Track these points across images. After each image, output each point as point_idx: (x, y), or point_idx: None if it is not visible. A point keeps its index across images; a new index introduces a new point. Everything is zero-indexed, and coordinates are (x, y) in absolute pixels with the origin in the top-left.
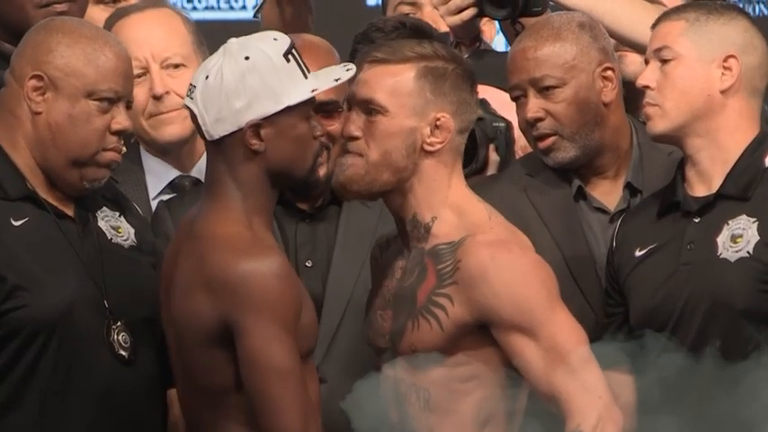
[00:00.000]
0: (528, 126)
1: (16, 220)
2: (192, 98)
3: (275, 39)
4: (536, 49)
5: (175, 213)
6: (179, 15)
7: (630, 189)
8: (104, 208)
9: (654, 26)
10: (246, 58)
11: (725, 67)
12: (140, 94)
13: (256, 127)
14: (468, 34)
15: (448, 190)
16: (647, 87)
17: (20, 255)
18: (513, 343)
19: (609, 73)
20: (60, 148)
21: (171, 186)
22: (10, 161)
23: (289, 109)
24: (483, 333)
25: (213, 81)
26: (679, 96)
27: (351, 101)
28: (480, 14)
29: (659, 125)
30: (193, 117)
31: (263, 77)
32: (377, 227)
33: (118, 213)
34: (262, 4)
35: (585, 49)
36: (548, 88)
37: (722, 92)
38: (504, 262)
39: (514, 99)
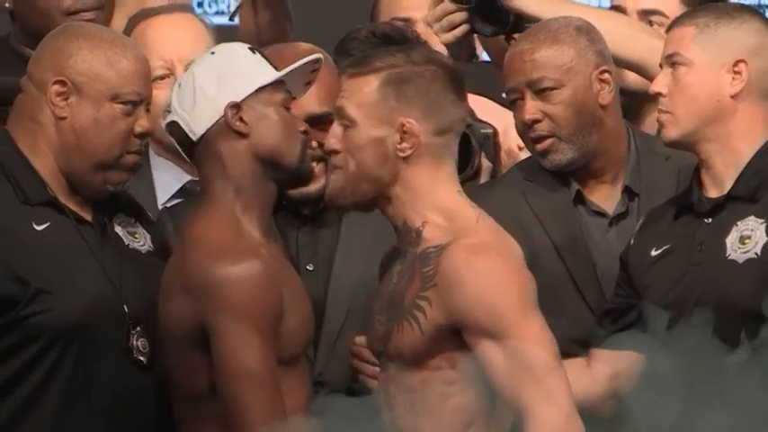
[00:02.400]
0: (525, 128)
1: (38, 224)
2: (169, 112)
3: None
4: (533, 52)
5: (177, 220)
6: (203, 21)
7: (629, 193)
8: (120, 213)
9: (667, 31)
10: (212, 53)
11: (735, 72)
12: (164, 95)
13: (236, 108)
14: (464, 51)
15: (435, 194)
16: (660, 94)
17: (42, 259)
18: (480, 347)
19: (606, 76)
20: (85, 152)
21: (182, 191)
22: (31, 167)
23: (264, 92)
24: (461, 337)
25: (185, 83)
26: (689, 103)
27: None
28: (473, 31)
29: (672, 132)
30: (176, 131)
31: (232, 64)
32: (378, 230)
33: (133, 219)
34: (238, 7)
35: (582, 52)
36: (545, 90)
37: (732, 97)
38: (479, 266)
39: (511, 102)
